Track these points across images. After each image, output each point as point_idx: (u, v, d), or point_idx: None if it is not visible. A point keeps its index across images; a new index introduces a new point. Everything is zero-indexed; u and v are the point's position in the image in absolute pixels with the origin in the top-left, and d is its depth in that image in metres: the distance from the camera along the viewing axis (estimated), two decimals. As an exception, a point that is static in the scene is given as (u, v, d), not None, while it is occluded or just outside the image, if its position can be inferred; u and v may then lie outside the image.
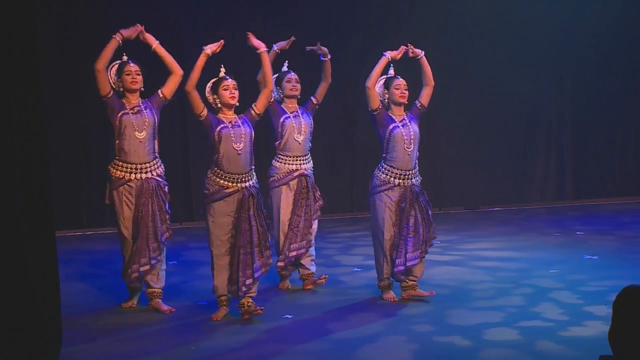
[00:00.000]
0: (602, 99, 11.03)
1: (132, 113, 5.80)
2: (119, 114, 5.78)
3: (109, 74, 5.83)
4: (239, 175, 5.60)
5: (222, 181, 5.59)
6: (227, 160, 5.58)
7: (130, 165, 5.80)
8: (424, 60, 6.16)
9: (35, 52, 4.06)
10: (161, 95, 5.90)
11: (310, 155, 6.60)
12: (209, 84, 5.70)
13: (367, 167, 9.69)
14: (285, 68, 6.63)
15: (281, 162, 6.44)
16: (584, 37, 10.82)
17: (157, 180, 5.85)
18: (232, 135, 5.57)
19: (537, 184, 10.93)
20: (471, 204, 10.50)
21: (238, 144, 5.57)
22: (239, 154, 5.58)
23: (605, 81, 11.00)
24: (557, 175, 11.01)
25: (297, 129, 6.41)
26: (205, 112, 5.59)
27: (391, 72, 6.17)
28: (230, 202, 5.59)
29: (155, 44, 5.86)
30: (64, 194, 9.04)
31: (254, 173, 5.73)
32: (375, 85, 6.04)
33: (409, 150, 6.00)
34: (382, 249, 6.02)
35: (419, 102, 6.17)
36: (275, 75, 6.47)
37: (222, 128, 5.58)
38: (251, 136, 5.66)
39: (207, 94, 5.69)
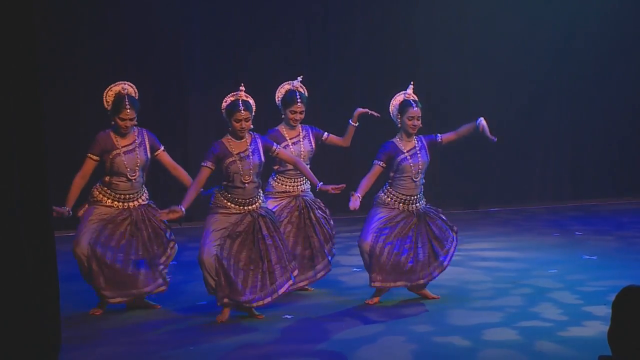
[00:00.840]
0: (600, 99, 11.01)
1: (124, 153, 5.74)
2: (111, 155, 5.72)
3: (104, 96, 5.75)
4: (246, 199, 5.63)
5: (229, 203, 5.62)
6: (236, 189, 5.60)
7: (118, 195, 5.79)
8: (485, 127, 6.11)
9: (33, 52, 4.05)
10: (157, 153, 5.85)
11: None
12: (225, 104, 5.63)
13: (367, 167, 9.64)
14: (297, 82, 6.38)
15: (277, 182, 6.36)
16: (583, 38, 10.80)
17: (143, 205, 5.83)
18: (240, 169, 5.56)
19: (537, 184, 10.90)
20: (470, 204, 10.48)
21: (246, 177, 5.57)
22: (246, 187, 5.59)
23: (604, 82, 10.98)
24: (556, 176, 10.99)
25: (297, 155, 6.23)
26: (210, 166, 5.55)
27: (409, 91, 6.04)
28: (232, 216, 5.60)
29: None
30: (63, 194, 9.01)
31: (261, 193, 5.73)
32: (391, 104, 5.99)
33: (417, 180, 5.98)
34: (361, 252, 6.00)
35: (441, 138, 6.09)
36: (284, 89, 6.35)
37: (230, 163, 5.57)
38: (260, 165, 5.65)
39: (222, 110, 5.64)
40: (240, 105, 5.56)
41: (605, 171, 11.09)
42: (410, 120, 5.95)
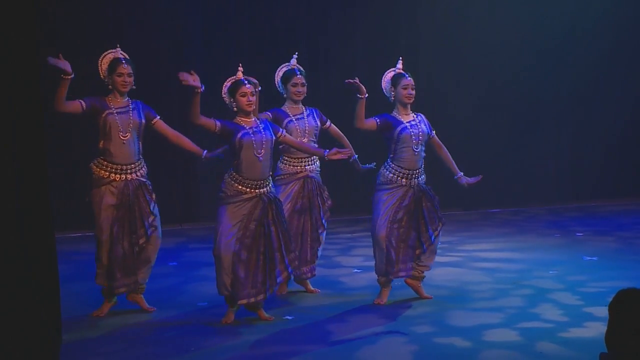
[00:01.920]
0: (601, 100, 11.02)
1: (117, 113, 5.70)
2: (103, 114, 5.67)
3: (99, 64, 5.74)
4: (257, 181, 5.55)
5: (240, 186, 5.53)
6: (247, 167, 5.51)
7: (114, 165, 5.71)
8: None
9: (33, 52, 4.05)
10: (153, 122, 5.79)
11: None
12: (226, 85, 5.60)
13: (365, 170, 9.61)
14: (294, 61, 6.39)
15: (285, 164, 6.35)
16: (584, 39, 10.81)
17: (140, 180, 5.77)
18: (253, 142, 5.50)
19: (537, 185, 10.90)
20: (471, 205, 10.47)
21: (260, 150, 5.52)
22: (260, 161, 5.52)
23: (605, 82, 10.99)
24: (556, 177, 11.00)
25: (302, 132, 6.25)
26: (218, 125, 5.48)
27: (399, 66, 6.07)
28: (244, 206, 5.53)
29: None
30: (63, 195, 9.02)
31: (271, 179, 5.68)
32: (382, 81, 6.01)
33: (417, 150, 5.97)
34: (378, 246, 5.98)
35: (434, 137, 6.12)
36: (281, 71, 6.35)
37: (243, 135, 5.50)
38: (272, 142, 5.59)
39: (223, 95, 5.60)
40: (244, 81, 5.53)
41: (606, 172, 11.10)
42: (404, 89, 5.95)
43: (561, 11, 10.70)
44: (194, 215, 9.61)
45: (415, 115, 6.05)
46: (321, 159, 6.08)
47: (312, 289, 6.41)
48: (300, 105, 6.37)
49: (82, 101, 5.70)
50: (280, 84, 6.38)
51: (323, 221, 6.37)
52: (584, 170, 11.07)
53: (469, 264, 7.37)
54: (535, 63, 10.70)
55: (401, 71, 6.06)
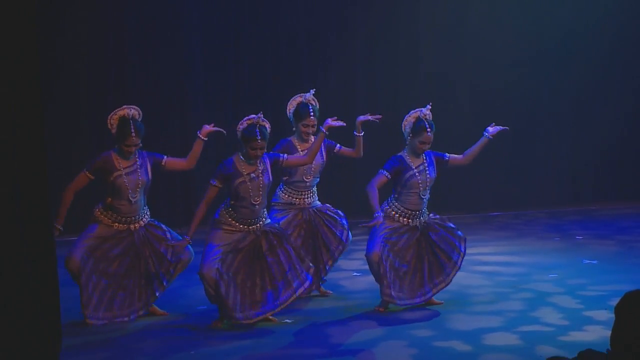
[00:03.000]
0: (601, 103, 11.02)
1: (125, 174, 5.72)
2: (113, 176, 5.71)
3: (109, 121, 5.72)
4: (251, 219, 5.60)
5: (233, 221, 5.60)
6: (242, 210, 5.57)
7: (119, 217, 5.79)
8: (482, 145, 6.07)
9: (34, 54, 4.05)
10: (163, 163, 5.82)
11: (315, 190, 6.41)
12: (242, 127, 5.52)
13: (366, 170, 9.61)
14: (310, 95, 6.26)
15: (284, 193, 6.31)
16: (584, 41, 10.81)
17: (146, 226, 5.83)
18: (250, 190, 5.53)
19: (537, 188, 10.89)
20: (470, 208, 10.46)
21: (256, 198, 5.55)
22: (255, 207, 5.57)
23: (605, 85, 10.99)
24: (556, 179, 10.98)
25: (308, 170, 6.22)
26: (219, 184, 5.53)
27: (426, 111, 5.91)
28: (236, 234, 5.58)
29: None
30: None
31: (265, 212, 5.69)
32: (405, 119, 5.92)
33: (424, 196, 5.93)
34: (369, 264, 5.94)
35: (449, 158, 6.02)
36: (296, 102, 6.26)
37: (240, 183, 5.52)
38: (269, 185, 5.62)
39: (237, 131, 5.56)
40: (258, 134, 5.47)
41: (605, 175, 11.10)
42: (421, 144, 5.89)
43: (561, 12, 10.71)
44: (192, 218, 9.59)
45: (425, 157, 5.96)
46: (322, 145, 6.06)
47: (324, 290, 6.43)
48: (311, 138, 6.25)
49: (87, 173, 5.74)
50: (291, 117, 6.29)
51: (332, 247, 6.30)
52: (584, 173, 11.06)
53: (469, 267, 7.32)
54: (534, 65, 10.69)
55: (426, 118, 5.89)
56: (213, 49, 9.69)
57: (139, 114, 5.78)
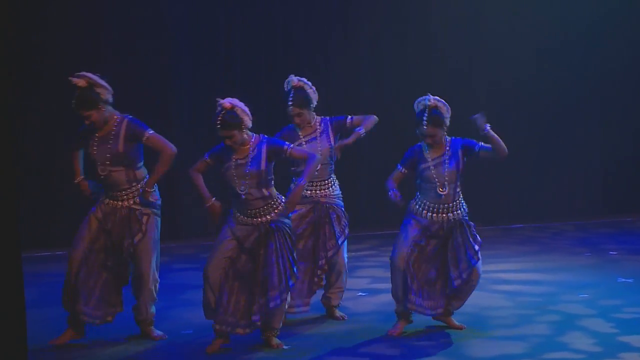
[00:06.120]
0: (635, 105, 10.98)
1: (97, 144, 5.75)
2: (89, 148, 5.81)
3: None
4: (250, 210, 5.60)
5: (236, 212, 5.66)
6: (234, 200, 5.64)
7: (107, 192, 5.83)
8: (492, 136, 5.85)
9: (1, 60, 4.04)
10: (145, 139, 5.76)
11: (333, 179, 6.37)
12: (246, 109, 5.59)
13: (372, 179, 9.58)
14: (296, 79, 6.20)
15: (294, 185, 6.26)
16: (614, 39, 10.78)
17: (130, 208, 5.80)
18: (235, 177, 5.56)
19: (563, 197, 10.89)
20: (489, 220, 10.45)
21: (241, 187, 5.56)
22: (242, 197, 5.57)
23: (638, 81, 10.97)
24: (586, 188, 10.97)
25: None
26: (209, 160, 5.63)
27: (428, 101, 5.87)
28: (244, 228, 5.60)
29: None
30: (31, 210, 9.00)
31: (275, 204, 5.62)
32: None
33: (443, 192, 5.91)
34: (394, 266, 5.95)
35: (481, 150, 5.92)
36: (286, 85, 6.25)
37: (226, 168, 5.59)
38: (260, 174, 5.56)
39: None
40: (218, 123, 5.52)
41: (641, 182, 11.08)
42: (423, 137, 5.91)
43: (589, 10, 10.68)
44: (179, 231, 9.58)
45: (448, 147, 5.94)
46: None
47: (338, 315, 6.41)
48: (315, 123, 6.26)
49: (74, 149, 5.90)
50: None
51: (327, 253, 6.26)
52: (617, 180, 11.04)
53: (488, 286, 7.33)
54: (558, 61, 10.68)
55: (430, 109, 5.85)
56: (202, 37, 9.71)
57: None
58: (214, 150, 5.67)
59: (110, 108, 5.76)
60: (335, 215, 6.30)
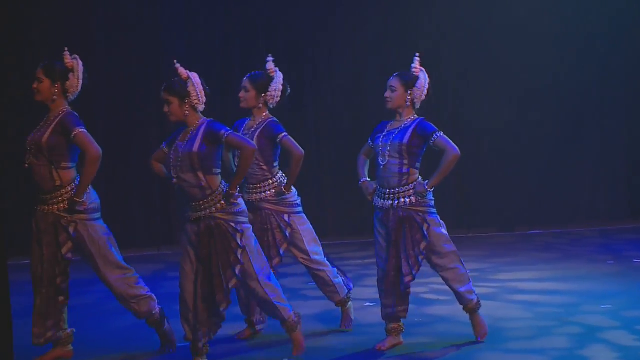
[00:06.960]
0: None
1: (34, 132, 5.58)
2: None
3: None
4: (191, 204, 5.32)
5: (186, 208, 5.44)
6: (177, 187, 5.39)
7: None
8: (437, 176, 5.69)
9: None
10: (72, 136, 5.44)
11: (270, 183, 6.01)
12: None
13: (337, 188, 9.57)
14: (271, 63, 6.06)
15: (241, 189, 5.94)
16: (636, 39, 10.82)
17: (55, 215, 5.52)
18: (171, 159, 5.31)
19: (586, 202, 10.92)
20: (506, 225, 10.50)
21: (173, 172, 5.31)
22: (175, 186, 5.34)
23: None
24: (609, 192, 10.99)
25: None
26: (166, 149, 5.42)
27: (413, 65, 5.79)
28: (190, 228, 5.34)
29: None
30: (17, 217, 8.93)
31: (217, 199, 5.27)
32: None
33: (382, 163, 5.71)
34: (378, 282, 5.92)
35: (436, 140, 5.66)
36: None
37: (168, 152, 5.41)
38: (191, 157, 5.22)
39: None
40: (165, 84, 5.36)
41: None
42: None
43: (609, 10, 10.71)
44: (173, 237, 9.53)
45: (409, 122, 5.74)
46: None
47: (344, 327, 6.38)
48: (262, 115, 6.02)
49: None
50: None
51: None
52: (641, 184, 11.02)
53: (504, 296, 7.31)
54: (577, 63, 10.85)
55: (400, 73, 5.78)
56: (199, 34, 9.74)
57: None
58: (169, 138, 5.44)
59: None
60: (274, 234, 6.04)
